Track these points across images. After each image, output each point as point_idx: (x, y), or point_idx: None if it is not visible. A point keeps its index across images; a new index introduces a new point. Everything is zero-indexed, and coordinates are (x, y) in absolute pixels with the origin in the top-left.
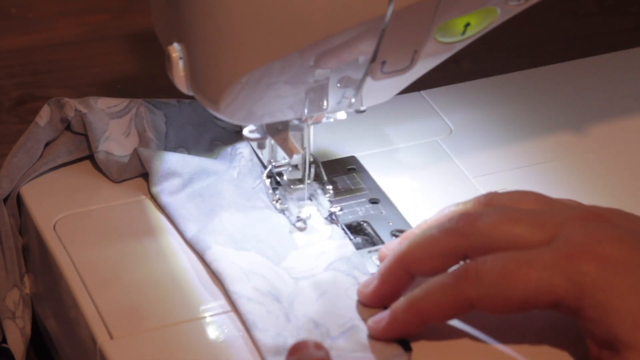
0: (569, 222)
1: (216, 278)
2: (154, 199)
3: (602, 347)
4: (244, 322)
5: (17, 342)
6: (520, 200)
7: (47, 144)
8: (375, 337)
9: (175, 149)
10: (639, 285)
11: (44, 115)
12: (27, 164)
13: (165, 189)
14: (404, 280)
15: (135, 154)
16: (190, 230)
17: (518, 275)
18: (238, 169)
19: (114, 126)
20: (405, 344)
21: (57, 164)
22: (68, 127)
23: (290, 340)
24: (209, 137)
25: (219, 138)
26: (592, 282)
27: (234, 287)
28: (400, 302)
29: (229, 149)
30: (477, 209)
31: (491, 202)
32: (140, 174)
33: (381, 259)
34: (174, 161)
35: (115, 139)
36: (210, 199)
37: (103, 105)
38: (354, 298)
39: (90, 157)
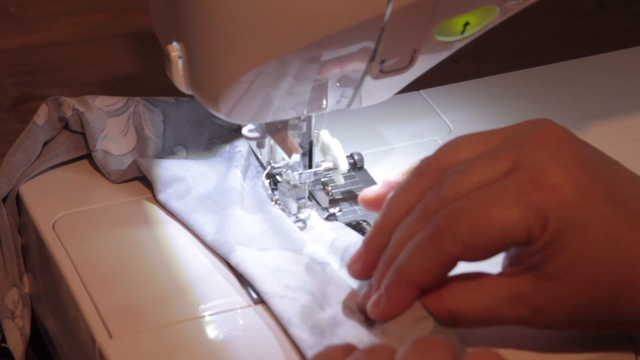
0: (526, 145)
1: (216, 278)
2: (161, 205)
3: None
4: (278, 321)
5: (16, 342)
6: (455, 152)
7: (45, 143)
8: (379, 319)
9: (173, 147)
10: (602, 219)
11: (42, 114)
12: (25, 163)
13: (172, 195)
14: (387, 243)
15: (135, 164)
16: (209, 234)
17: (489, 218)
18: (240, 168)
19: (112, 125)
20: None
21: (55, 163)
22: (66, 126)
23: (328, 330)
24: (207, 135)
25: (217, 136)
26: (563, 212)
27: (265, 287)
28: (389, 278)
29: (227, 147)
30: (434, 183)
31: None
32: (138, 176)
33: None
34: (174, 167)
35: (113, 137)
36: (220, 199)
37: (101, 103)
38: None
39: (89, 156)
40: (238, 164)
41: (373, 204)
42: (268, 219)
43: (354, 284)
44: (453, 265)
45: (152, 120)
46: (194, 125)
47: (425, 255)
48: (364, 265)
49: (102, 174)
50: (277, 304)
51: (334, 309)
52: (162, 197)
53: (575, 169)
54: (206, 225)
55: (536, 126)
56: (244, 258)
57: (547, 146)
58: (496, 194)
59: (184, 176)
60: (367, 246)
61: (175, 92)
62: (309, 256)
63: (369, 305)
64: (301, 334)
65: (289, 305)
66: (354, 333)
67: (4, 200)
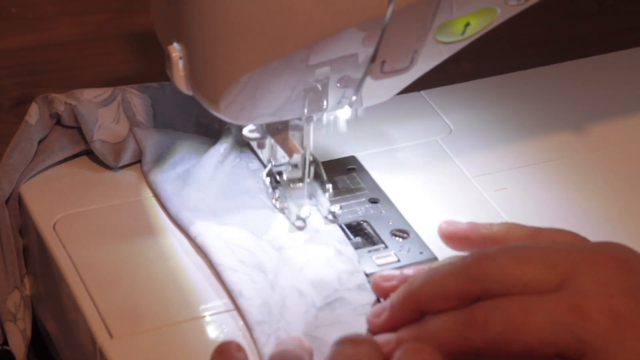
0: (580, 266)
1: (216, 278)
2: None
3: None
4: (240, 315)
5: (18, 345)
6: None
7: (40, 143)
8: (373, 329)
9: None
10: None
11: (33, 113)
12: (23, 163)
13: (155, 168)
14: (415, 315)
15: (131, 133)
16: (174, 206)
17: (523, 326)
18: (225, 145)
19: (104, 114)
20: None
21: (54, 162)
22: (58, 123)
23: (276, 311)
24: (194, 114)
25: (204, 113)
26: (595, 341)
27: (219, 259)
28: (407, 335)
29: (216, 125)
30: (489, 249)
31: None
32: (138, 159)
33: (376, 284)
34: (167, 140)
35: (106, 127)
36: (195, 174)
37: (89, 95)
38: (336, 268)
39: (89, 154)
40: (223, 142)
41: (452, 240)
42: (239, 200)
43: (307, 270)
44: (470, 354)
45: (141, 106)
46: (181, 106)
47: (450, 335)
48: (384, 325)
49: (104, 174)
50: (230, 276)
51: (284, 292)
52: (145, 168)
53: (621, 299)
54: (174, 198)
55: (599, 249)
56: (202, 230)
57: (600, 273)
58: (538, 307)
59: (172, 152)
60: (392, 311)
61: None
62: (269, 242)
63: (371, 312)
64: (249, 307)
65: (241, 279)
66: (301, 318)
67: (6, 202)
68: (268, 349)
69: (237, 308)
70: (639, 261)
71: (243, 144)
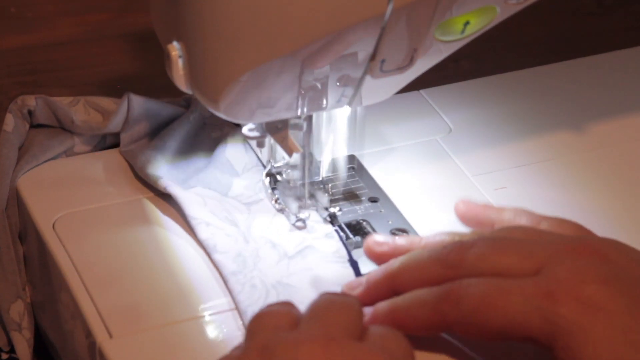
0: (557, 255)
1: (216, 277)
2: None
3: None
4: (216, 268)
5: (25, 354)
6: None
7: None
8: None
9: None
10: (614, 334)
11: (9, 121)
12: (10, 168)
13: (132, 137)
14: (388, 295)
15: (126, 100)
16: (140, 161)
17: (496, 305)
18: (194, 112)
19: (75, 110)
20: (355, 268)
21: (38, 162)
22: (34, 126)
23: (250, 262)
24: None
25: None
26: (566, 325)
27: (192, 211)
28: (382, 306)
29: (183, 103)
30: (470, 238)
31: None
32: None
33: (368, 247)
34: (153, 109)
35: (81, 116)
36: (161, 139)
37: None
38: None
39: (87, 153)
40: (193, 109)
41: (465, 219)
42: (199, 161)
43: (277, 221)
44: (443, 330)
45: (107, 104)
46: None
47: (423, 308)
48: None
49: (102, 172)
50: (203, 231)
51: (257, 243)
52: (122, 135)
53: (593, 285)
54: (139, 154)
55: (578, 239)
56: (172, 182)
57: (575, 261)
58: (512, 288)
59: (151, 122)
60: (368, 287)
61: (175, 91)
62: (235, 199)
63: (346, 285)
64: (224, 259)
65: (214, 234)
66: (274, 267)
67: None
68: (243, 297)
69: (213, 262)
70: (616, 252)
71: (207, 114)
